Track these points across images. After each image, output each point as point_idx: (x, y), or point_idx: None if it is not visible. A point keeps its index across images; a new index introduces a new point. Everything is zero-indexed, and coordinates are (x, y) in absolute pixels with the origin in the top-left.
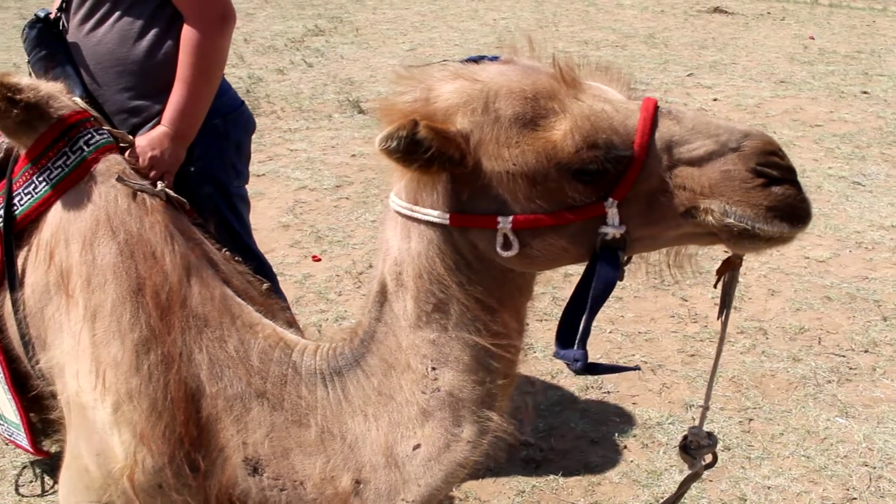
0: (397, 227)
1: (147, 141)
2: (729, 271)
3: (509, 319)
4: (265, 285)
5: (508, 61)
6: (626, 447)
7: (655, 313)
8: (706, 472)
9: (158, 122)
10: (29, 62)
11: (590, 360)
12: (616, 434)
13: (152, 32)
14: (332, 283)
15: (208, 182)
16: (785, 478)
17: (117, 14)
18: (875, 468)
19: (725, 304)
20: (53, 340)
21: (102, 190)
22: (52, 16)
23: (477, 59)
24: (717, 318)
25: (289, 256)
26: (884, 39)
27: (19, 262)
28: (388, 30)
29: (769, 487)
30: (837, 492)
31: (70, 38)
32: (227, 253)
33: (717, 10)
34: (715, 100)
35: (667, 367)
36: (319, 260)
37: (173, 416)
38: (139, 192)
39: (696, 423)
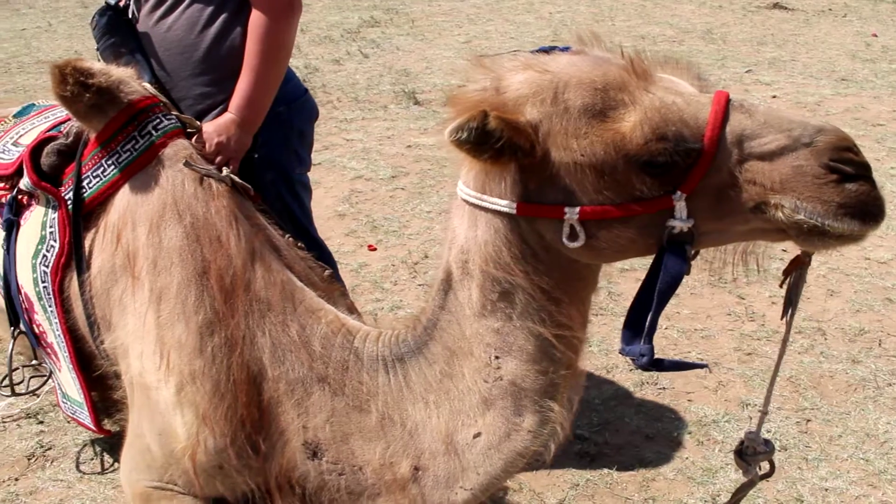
0: (464, 215)
1: (214, 127)
2: (796, 270)
3: (574, 310)
4: (327, 272)
5: (579, 52)
6: (681, 444)
7: (712, 310)
8: (760, 471)
9: (225, 109)
10: (98, 49)
11: (656, 356)
12: (671, 431)
13: (220, 20)
14: (387, 272)
15: (271, 169)
16: (843, 480)
17: (187, 2)
18: None
19: (791, 304)
20: (118, 321)
21: (170, 174)
22: (121, 3)
23: (548, 50)
24: (782, 318)
25: (344, 245)
26: None
27: (86, 243)
28: (444, 22)
29: (826, 489)
30: None
31: (140, 26)
32: (290, 239)
33: (776, 5)
34: (774, 97)
35: (723, 364)
36: (375, 249)
37: (235, 397)
38: (205, 177)
39: (754, 424)
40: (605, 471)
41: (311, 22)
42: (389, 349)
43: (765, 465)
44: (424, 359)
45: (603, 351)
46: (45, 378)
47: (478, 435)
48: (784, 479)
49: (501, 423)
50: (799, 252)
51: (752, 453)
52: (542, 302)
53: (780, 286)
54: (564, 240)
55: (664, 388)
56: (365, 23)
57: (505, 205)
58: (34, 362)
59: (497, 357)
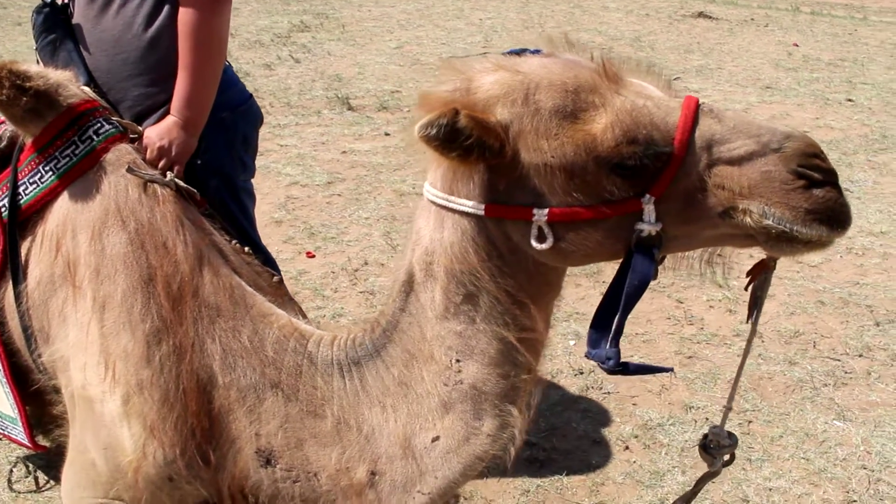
0: (430, 216)
1: (156, 131)
2: (762, 273)
3: (538, 314)
4: (275, 277)
5: (550, 55)
6: (628, 448)
7: (651, 315)
8: None
9: (168, 111)
10: (36, 49)
11: (623, 359)
12: (617, 435)
13: (158, 19)
14: (327, 279)
15: (215, 175)
16: (786, 480)
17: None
18: (873, 471)
19: (756, 307)
20: (58, 333)
21: (112, 180)
22: (59, 1)
23: (518, 52)
24: (747, 321)
25: (283, 252)
26: (866, 48)
27: (23, 252)
28: (375, 27)
29: (770, 489)
30: (838, 494)
31: (75, 23)
32: (237, 244)
33: (701, 14)
34: None
35: None
36: (314, 256)
37: (185, 407)
38: (150, 183)
39: (699, 427)
40: (555, 476)
41: (241, 26)
42: (345, 353)
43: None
44: (382, 362)
45: (547, 356)
46: None
47: (436, 439)
48: (730, 480)
49: (461, 426)
50: (764, 256)
51: (717, 447)
52: (507, 305)
53: (745, 289)
54: (532, 241)
55: (609, 392)
56: (295, 27)
57: (472, 206)
58: None
59: (458, 360)
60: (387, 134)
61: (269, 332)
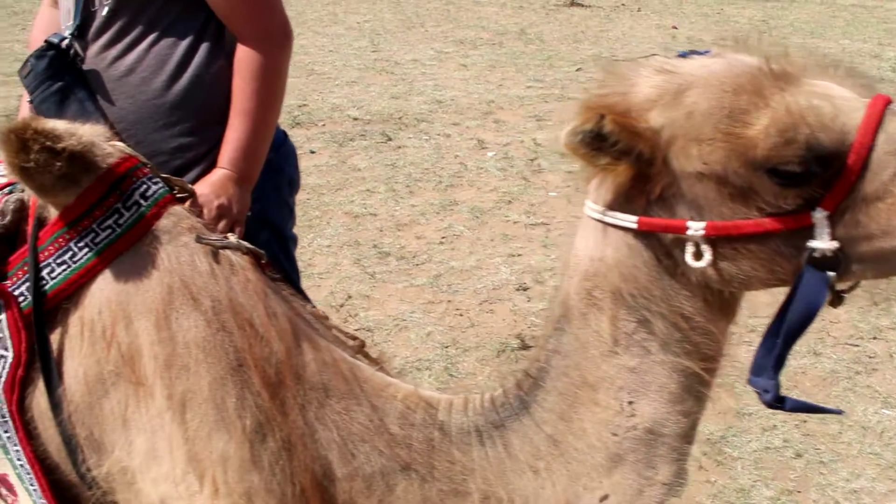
0: (589, 235)
1: (210, 188)
2: None
3: (717, 340)
4: (356, 341)
5: (717, 55)
6: (701, 467)
7: None
8: (791, 483)
9: (211, 163)
10: (31, 100)
11: (783, 394)
12: None
13: (199, 54)
14: None
15: (266, 226)
16: (865, 479)
17: (154, 35)
18: None
19: None
20: (117, 440)
21: (171, 251)
22: (63, 44)
23: (685, 55)
24: None
25: None
26: (738, 26)
27: (53, 348)
28: None
29: (856, 491)
30: None
31: (88, 67)
32: (317, 309)
33: (573, 3)
34: None
35: None
36: None
37: None
38: (221, 250)
39: (774, 426)
40: None
41: None
42: (484, 416)
43: None
44: (531, 419)
45: None
46: None
47: (604, 498)
48: (814, 487)
49: (633, 479)
50: None
51: None
52: (686, 331)
53: None
54: (688, 259)
55: None
56: None
57: (628, 219)
58: None
59: (631, 402)
60: (312, 152)
61: (391, 407)
